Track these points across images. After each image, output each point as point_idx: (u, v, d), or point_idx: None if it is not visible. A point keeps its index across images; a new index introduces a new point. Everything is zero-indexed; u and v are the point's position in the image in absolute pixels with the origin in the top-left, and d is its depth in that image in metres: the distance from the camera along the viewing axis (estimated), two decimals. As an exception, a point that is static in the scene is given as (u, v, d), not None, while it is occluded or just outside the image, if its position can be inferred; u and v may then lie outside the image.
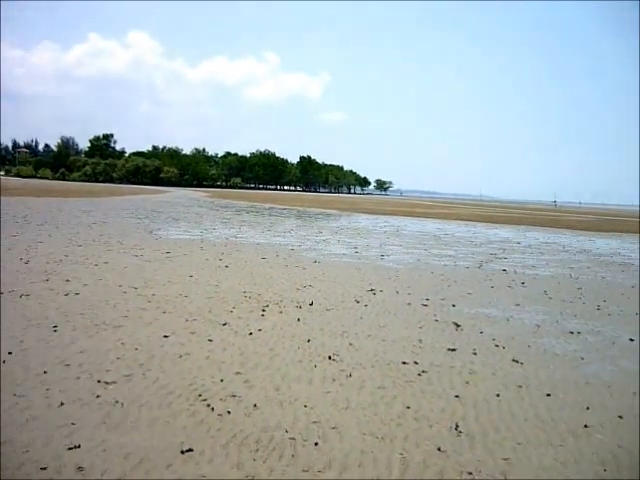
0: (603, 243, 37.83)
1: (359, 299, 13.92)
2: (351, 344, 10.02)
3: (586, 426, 7.06)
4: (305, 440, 6.22)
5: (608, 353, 10.47)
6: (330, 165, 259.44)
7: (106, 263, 17.27)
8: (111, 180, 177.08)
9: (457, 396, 7.83)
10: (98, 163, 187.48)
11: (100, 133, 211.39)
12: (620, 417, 7.42)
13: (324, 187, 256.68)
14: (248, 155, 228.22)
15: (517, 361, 9.59)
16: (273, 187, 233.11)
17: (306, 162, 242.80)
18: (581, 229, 53.66)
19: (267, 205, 73.81)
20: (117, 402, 6.96)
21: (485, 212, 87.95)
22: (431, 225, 48.15)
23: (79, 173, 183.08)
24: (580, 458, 6.21)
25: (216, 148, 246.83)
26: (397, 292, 15.18)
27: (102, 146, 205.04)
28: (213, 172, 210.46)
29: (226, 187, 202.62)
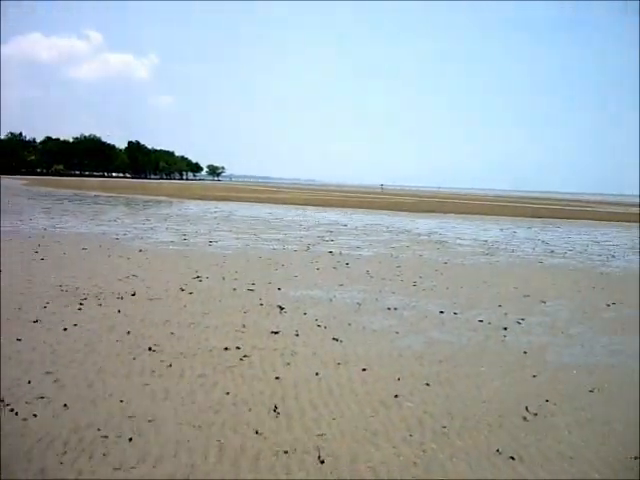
0: (422, 223, 40.26)
1: (184, 287, 13.68)
2: (173, 333, 9.82)
3: (396, 396, 7.47)
4: (118, 436, 5.99)
5: (420, 326, 11.16)
6: (160, 151, 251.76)
7: None
8: None
9: (277, 378, 7.94)
10: None
11: None
12: (427, 384, 7.94)
13: (155, 173, 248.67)
14: (71, 140, 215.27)
15: (337, 339, 9.92)
16: (100, 174, 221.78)
17: (135, 147, 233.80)
18: (405, 210, 56.72)
19: (92, 193, 70.33)
20: None
21: (316, 196, 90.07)
22: (262, 210, 48.52)
23: None
24: (389, 426, 6.56)
25: (37, 133, 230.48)
26: (223, 278, 15.11)
27: None
28: (32, 158, 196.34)
29: (47, 174, 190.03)
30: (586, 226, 44.13)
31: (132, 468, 5.41)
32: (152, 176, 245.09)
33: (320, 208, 55.02)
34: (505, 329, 11.16)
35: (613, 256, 24.66)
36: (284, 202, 64.39)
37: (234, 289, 13.76)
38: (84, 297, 12.20)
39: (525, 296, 14.57)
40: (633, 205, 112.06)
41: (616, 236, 35.91)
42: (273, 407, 6.92)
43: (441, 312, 12.32)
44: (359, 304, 12.76)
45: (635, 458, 6.05)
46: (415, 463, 5.73)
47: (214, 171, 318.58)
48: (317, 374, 8.16)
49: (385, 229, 33.36)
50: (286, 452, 5.82)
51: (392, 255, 21.47)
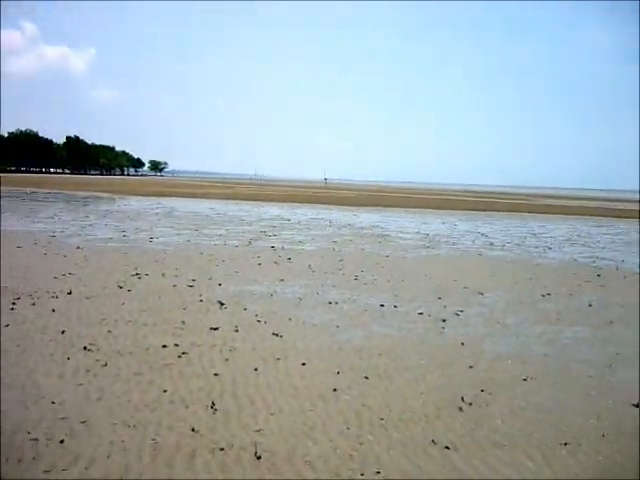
0: (365, 217, 40.54)
1: (122, 284, 13.42)
2: (110, 332, 9.62)
3: (335, 389, 7.50)
4: (49, 439, 5.82)
5: (361, 319, 11.23)
6: (100, 146, 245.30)
7: None
8: None
9: (216, 374, 7.87)
10: None
11: None
12: (366, 377, 8.00)
13: (95, 169, 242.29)
14: (6, 135, 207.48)
15: (277, 334, 9.90)
16: (38, 170, 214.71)
17: (74, 143, 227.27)
18: (348, 204, 57.00)
19: (28, 189, 68.01)
20: None
21: (261, 191, 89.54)
22: (205, 205, 47.95)
23: None
24: (327, 420, 6.58)
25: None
26: (163, 275, 14.88)
27: None
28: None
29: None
30: (524, 219, 45.21)
31: (63, 470, 5.28)
32: (92, 172, 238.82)
33: (264, 203, 54.76)
34: (444, 321, 11.34)
35: (549, 248, 25.35)
36: (228, 197, 63.82)
37: (174, 285, 13.57)
38: (17, 297, 11.83)
39: (464, 288, 14.84)
40: (579, 198, 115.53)
41: (553, 228, 36.92)
42: (211, 404, 6.86)
43: (382, 305, 12.43)
44: (300, 299, 12.77)
45: (565, 444, 6.23)
46: (352, 456, 5.76)
47: (156, 166, 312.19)
48: (256, 369, 8.13)
49: (328, 223, 33.48)
50: (222, 449, 5.77)
51: (334, 249, 21.56)
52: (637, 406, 7.38)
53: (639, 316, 12.49)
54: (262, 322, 10.67)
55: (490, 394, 7.62)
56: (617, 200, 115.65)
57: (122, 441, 5.85)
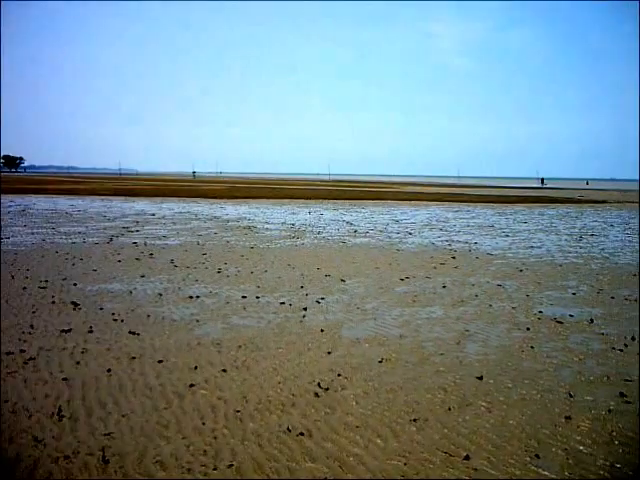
0: (232, 209, 40.24)
1: (-36, 290, 12.49)
2: (-53, 342, 8.92)
3: (192, 385, 7.39)
4: None
5: (221, 312, 11.14)
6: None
7: None
8: None
9: (65, 379, 7.51)
10: None
11: None
12: (224, 370, 7.96)
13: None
14: None
15: (134, 332, 9.61)
16: None
17: None
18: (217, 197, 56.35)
19: None
20: None
21: (125, 185, 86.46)
22: (64, 202, 45.55)
23: None
24: (182, 417, 6.46)
25: None
26: (12, 277, 14.01)
27: None
28: None
29: None
30: (389, 206, 46.75)
31: None
32: None
33: (130, 198, 52.97)
34: (305, 309, 11.48)
35: (410, 233, 26.36)
36: (91, 193, 61.02)
37: (24, 288, 12.82)
38: None
39: (326, 276, 15.10)
40: (449, 186, 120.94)
41: (415, 214, 38.42)
42: (57, 411, 6.53)
43: (244, 297, 12.40)
44: (160, 294, 12.48)
45: (414, 420, 6.51)
46: (205, 451, 5.69)
47: (11, 162, 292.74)
48: (109, 370, 7.84)
49: (194, 217, 32.93)
50: (67, 457, 5.51)
51: (198, 243, 21.26)
52: (480, 378, 7.86)
53: (488, 294, 13.30)
54: (119, 321, 10.32)
55: (346, 378, 7.80)
56: (483, 186, 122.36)
57: (-46, 459, 5.44)
